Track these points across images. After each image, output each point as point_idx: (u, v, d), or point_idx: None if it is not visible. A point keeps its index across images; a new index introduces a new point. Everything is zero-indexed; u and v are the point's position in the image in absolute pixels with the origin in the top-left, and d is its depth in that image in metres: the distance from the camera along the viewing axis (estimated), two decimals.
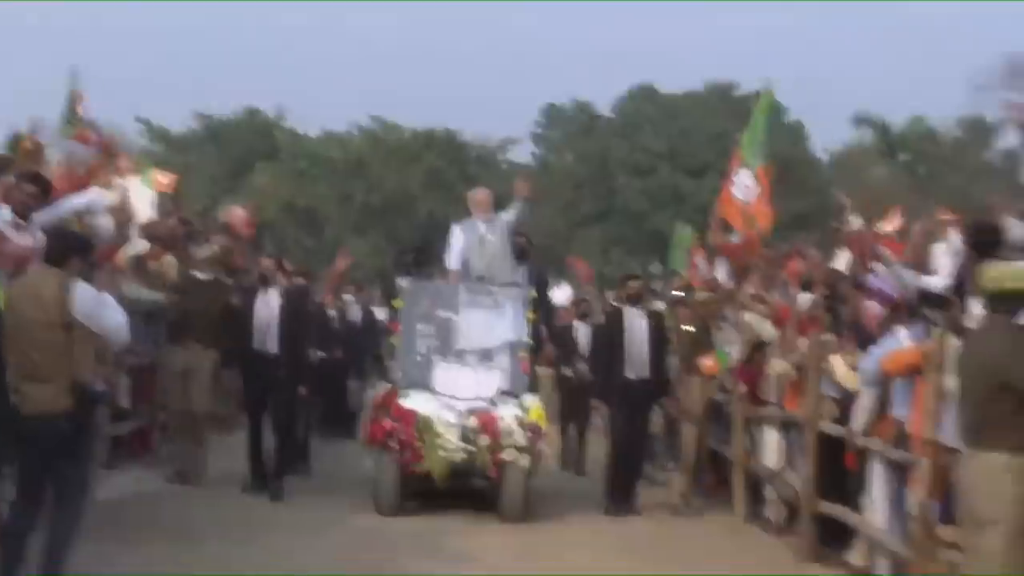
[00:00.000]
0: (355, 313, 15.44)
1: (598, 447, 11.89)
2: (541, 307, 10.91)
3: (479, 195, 10.94)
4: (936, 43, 65.39)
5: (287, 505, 9.70)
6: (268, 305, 10.26)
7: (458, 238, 10.62)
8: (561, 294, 16.18)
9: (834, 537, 8.33)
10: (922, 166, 44.80)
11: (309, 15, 75.47)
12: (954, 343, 6.24)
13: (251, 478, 10.24)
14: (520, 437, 9.54)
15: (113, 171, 9.82)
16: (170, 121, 43.34)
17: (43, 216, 7.22)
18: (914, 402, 6.95)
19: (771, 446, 9.79)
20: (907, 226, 8.69)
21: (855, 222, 9.03)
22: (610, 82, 65.73)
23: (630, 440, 10.36)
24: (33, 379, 5.70)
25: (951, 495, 5.99)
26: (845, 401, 8.33)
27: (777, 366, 9.62)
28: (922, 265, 8.15)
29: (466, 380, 9.97)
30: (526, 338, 10.24)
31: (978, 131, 42.81)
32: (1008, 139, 36.84)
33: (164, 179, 11.84)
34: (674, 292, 12.68)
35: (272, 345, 10.17)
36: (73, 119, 10.43)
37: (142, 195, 10.70)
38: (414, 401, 9.68)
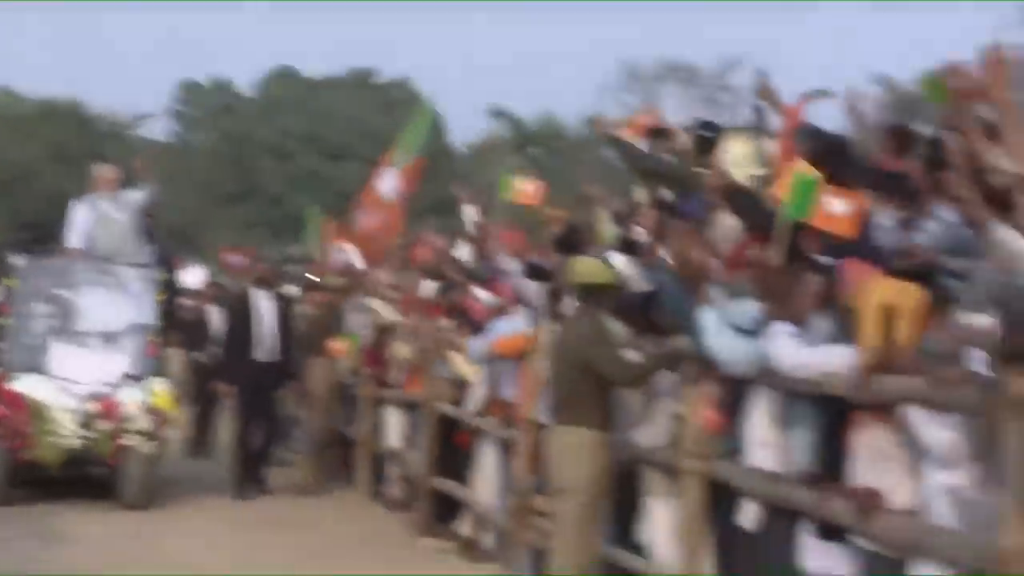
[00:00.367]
0: None
1: (229, 430, 11.86)
2: (170, 288, 10.73)
3: (103, 171, 10.60)
4: (565, 44, 69.41)
5: None
6: None
7: (81, 215, 10.24)
8: (194, 276, 15.85)
9: (450, 512, 8.87)
10: (551, 160, 47.44)
11: None
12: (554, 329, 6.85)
13: None
14: (144, 422, 9.38)
15: None
16: None
17: None
18: (521, 383, 7.55)
19: (394, 426, 10.22)
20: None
21: (470, 213, 9.54)
22: (251, 61, 64.51)
23: (258, 423, 10.46)
24: None
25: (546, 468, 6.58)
26: (463, 383, 8.86)
27: (401, 350, 10.05)
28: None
29: (87, 363, 9.65)
30: (153, 320, 10.05)
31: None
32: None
33: None
34: (308, 276, 12.83)
35: None
36: None
37: None
38: (26, 385, 9.27)
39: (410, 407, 9.90)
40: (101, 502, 9.28)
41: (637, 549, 5.82)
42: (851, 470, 4.06)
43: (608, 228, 6.80)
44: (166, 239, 11.78)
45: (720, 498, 5.10)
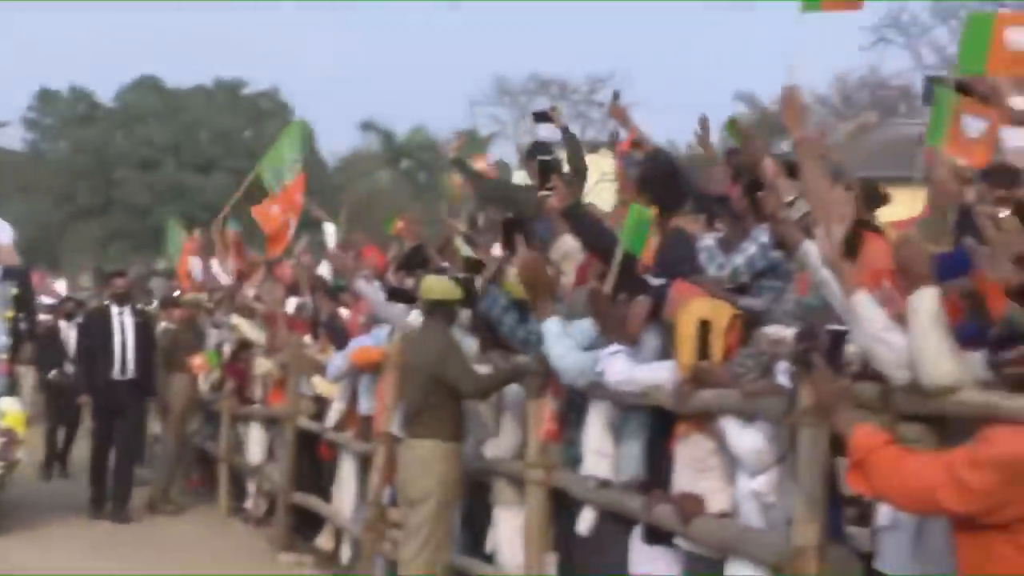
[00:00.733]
0: None
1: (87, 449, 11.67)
2: (23, 304, 10.50)
3: None
4: (438, 57, 69.68)
5: None
6: None
7: None
8: (51, 291, 15.52)
9: (312, 526, 8.94)
10: (422, 173, 47.58)
11: None
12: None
13: None
14: None
15: None
16: None
17: None
18: (377, 397, 7.69)
19: (255, 442, 10.24)
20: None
21: (329, 230, 9.61)
22: (111, 71, 62.91)
23: (116, 441, 10.31)
24: None
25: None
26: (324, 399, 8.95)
27: (262, 365, 10.07)
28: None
29: None
30: (4, 337, 9.84)
31: (473, 144, 46.34)
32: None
33: None
34: (174, 291, 12.69)
35: None
36: None
37: None
38: None
39: (272, 422, 9.94)
40: None
41: (488, 558, 6.03)
42: (675, 477, 4.33)
43: (463, 247, 7.01)
44: (20, 252, 11.48)
45: (562, 506, 5.35)
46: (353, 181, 39.14)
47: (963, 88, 4.03)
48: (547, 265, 5.61)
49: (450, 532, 6.04)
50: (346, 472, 8.27)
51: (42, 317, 12.69)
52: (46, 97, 44.08)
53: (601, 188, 8.11)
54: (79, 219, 39.96)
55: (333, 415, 8.41)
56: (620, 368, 4.60)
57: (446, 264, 6.80)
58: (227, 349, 10.84)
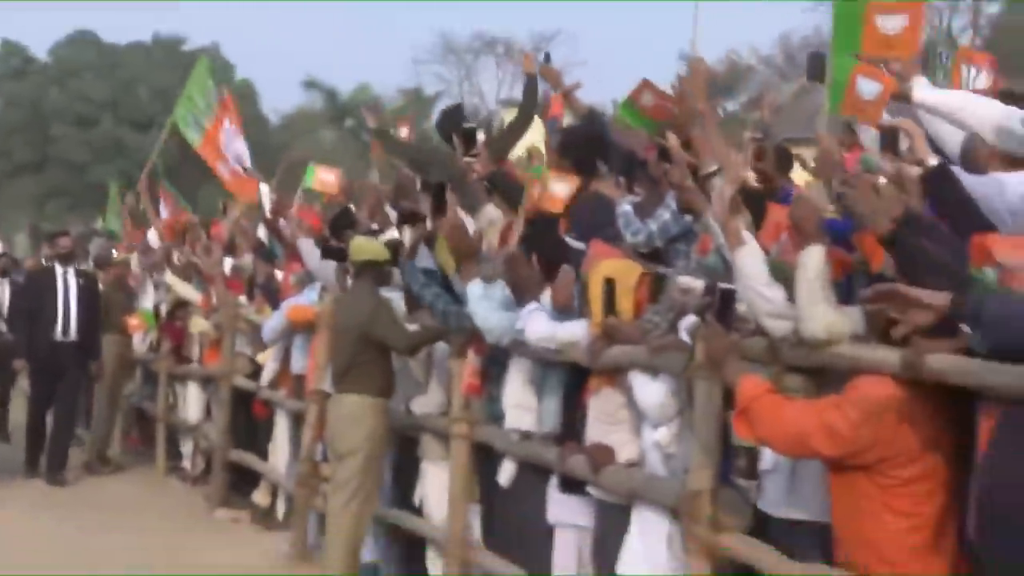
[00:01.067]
0: None
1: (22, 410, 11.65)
2: None
3: None
4: (382, 14, 69.03)
5: None
6: None
7: None
8: None
9: (248, 483, 9.08)
10: (366, 132, 47.30)
11: None
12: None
13: None
14: None
15: None
16: None
17: None
18: (310, 356, 7.83)
19: (192, 401, 10.33)
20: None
21: (264, 191, 9.61)
22: (45, 25, 61.59)
23: (56, 403, 10.29)
24: None
25: None
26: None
27: (198, 325, 10.14)
28: None
29: None
30: None
31: (419, 103, 46.18)
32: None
33: None
34: (111, 251, 12.64)
35: None
36: None
37: None
38: None
39: (208, 382, 10.03)
40: None
41: (416, 510, 6.23)
42: (588, 430, 4.55)
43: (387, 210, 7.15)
44: None
45: (486, 459, 5.55)
46: (296, 140, 38.91)
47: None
48: (467, 229, 5.76)
49: (378, 485, 6.23)
50: (280, 429, 8.42)
51: None
52: None
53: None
54: (14, 176, 39.35)
55: (267, 374, 8.54)
56: (539, 326, 4.79)
57: (375, 226, 6.94)
58: (163, 309, 10.88)
